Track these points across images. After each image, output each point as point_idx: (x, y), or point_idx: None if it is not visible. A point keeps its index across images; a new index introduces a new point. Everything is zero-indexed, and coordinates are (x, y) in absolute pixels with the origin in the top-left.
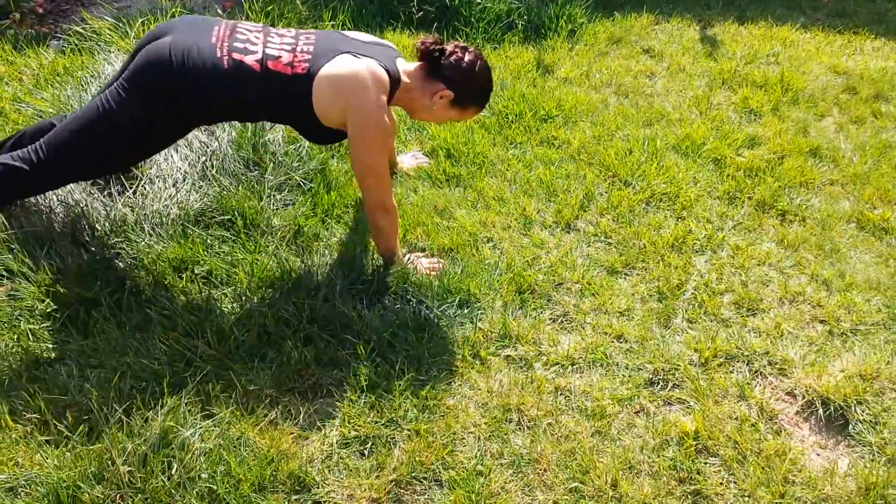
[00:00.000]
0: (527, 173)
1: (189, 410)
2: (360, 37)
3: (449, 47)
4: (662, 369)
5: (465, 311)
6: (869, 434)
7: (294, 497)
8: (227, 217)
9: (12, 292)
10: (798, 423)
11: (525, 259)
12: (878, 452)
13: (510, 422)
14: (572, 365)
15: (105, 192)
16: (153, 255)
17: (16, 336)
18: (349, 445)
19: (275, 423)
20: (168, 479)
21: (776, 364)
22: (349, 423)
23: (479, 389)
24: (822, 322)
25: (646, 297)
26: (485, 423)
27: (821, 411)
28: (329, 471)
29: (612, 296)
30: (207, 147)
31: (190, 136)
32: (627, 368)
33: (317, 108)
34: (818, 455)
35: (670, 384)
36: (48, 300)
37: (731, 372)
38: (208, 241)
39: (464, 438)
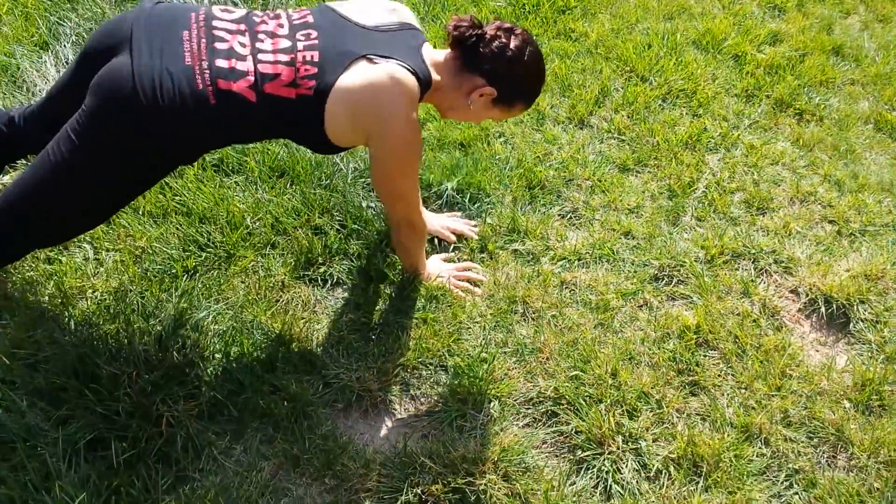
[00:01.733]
0: None
1: (203, 294)
2: (372, 16)
3: (489, 30)
4: (668, 265)
5: (475, 205)
6: (869, 332)
7: (305, 377)
8: None
9: None
10: (799, 321)
11: (536, 155)
12: (877, 350)
13: (515, 313)
14: (579, 260)
15: None
16: None
17: None
18: (359, 331)
19: (286, 308)
20: (183, 358)
21: (782, 262)
22: (359, 310)
23: (486, 281)
24: (831, 222)
25: (656, 194)
26: (490, 313)
27: (823, 309)
28: (339, 354)
29: (622, 193)
30: None
31: None
32: (633, 264)
33: (330, 131)
34: (817, 351)
35: (675, 280)
36: None
37: (737, 269)
38: None
39: (470, 328)
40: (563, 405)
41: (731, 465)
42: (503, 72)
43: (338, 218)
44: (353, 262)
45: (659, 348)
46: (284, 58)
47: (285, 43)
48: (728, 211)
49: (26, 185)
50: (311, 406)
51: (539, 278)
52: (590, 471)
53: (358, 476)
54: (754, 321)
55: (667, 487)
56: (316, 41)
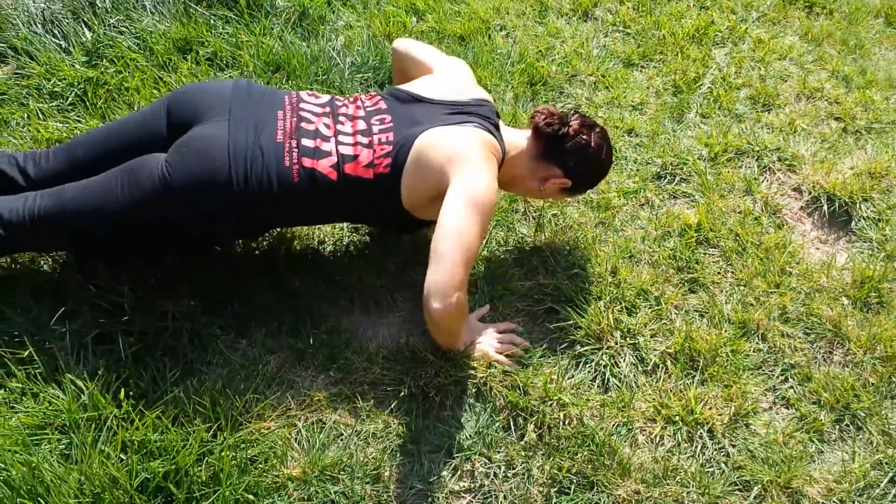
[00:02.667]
0: None
1: None
2: (444, 92)
3: (573, 125)
4: (671, 163)
5: None
6: (871, 230)
7: (308, 275)
8: None
9: (18, 71)
10: (801, 219)
11: (539, 49)
12: (877, 248)
13: (516, 212)
14: None
15: None
16: (157, 35)
17: (25, 115)
18: (359, 230)
19: None
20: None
21: (786, 160)
22: None
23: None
24: (837, 119)
25: (661, 90)
26: None
27: (825, 207)
28: (340, 254)
29: (626, 89)
30: None
31: None
32: (636, 162)
33: (406, 202)
34: (817, 249)
35: (677, 178)
36: (54, 78)
37: (740, 167)
38: (211, 21)
39: None
40: (562, 302)
41: (727, 360)
42: (581, 169)
43: None
44: None
45: (659, 246)
46: (363, 140)
47: (362, 125)
48: (733, 107)
49: (87, 203)
50: (314, 303)
51: None
52: (588, 365)
53: (362, 369)
54: (756, 219)
55: (663, 380)
56: (390, 124)
